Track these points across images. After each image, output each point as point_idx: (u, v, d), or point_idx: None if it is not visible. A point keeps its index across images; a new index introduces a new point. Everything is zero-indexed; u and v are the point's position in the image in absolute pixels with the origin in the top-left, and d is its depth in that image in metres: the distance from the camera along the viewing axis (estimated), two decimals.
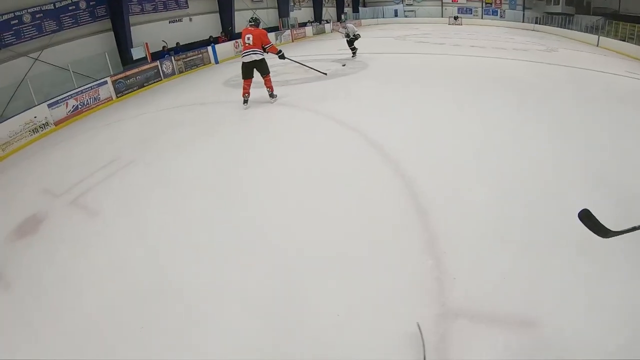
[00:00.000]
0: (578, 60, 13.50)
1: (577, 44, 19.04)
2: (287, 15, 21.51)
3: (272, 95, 7.68)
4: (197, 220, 3.99)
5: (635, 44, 16.24)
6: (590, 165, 4.48)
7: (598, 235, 2.65)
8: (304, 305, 2.81)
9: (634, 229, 2.52)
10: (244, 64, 7.31)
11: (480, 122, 6.07)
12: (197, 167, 5.26)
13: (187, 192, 4.57)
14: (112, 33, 12.14)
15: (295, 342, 2.55)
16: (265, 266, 3.18)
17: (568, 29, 22.73)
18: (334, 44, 13.67)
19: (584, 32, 20.83)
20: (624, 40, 17.30)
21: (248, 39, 7.21)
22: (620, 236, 2.47)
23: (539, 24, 26.02)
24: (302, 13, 23.80)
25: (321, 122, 6.43)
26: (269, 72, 7.53)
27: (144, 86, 10.95)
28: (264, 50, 7.28)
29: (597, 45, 18.70)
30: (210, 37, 15.85)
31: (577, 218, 2.61)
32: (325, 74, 9.56)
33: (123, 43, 12.17)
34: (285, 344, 2.54)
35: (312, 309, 2.78)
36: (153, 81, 11.36)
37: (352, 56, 12.23)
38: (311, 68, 9.38)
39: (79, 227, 4.22)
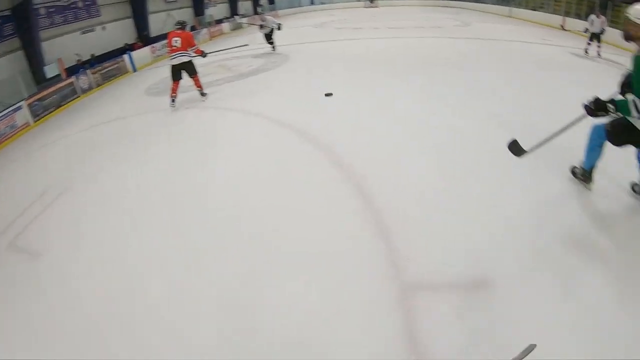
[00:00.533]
0: (492, 32, 14.77)
1: (490, 16, 20.39)
2: (203, 13, 21.40)
3: (202, 94, 8.12)
4: (155, 234, 4.04)
5: (545, 12, 17.53)
6: (516, 117, 5.43)
7: (517, 156, 4.16)
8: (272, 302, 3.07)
9: (538, 145, 3.99)
10: (173, 66, 7.68)
11: (410, 102, 6.87)
12: (138, 181, 5.21)
13: (135, 208, 4.59)
14: (22, 52, 11.63)
15: (269, 335, 2.77)
16: (240, 267, 3.43)
17: (480, 2, 24.04)
18: (252, 39, 13.83)
19: (496, 4, 22.13)
20: (534, 10, 18.60)
21: (176, 41, 7.58)
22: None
23: None
24: (217, 10, 23.69)
25: (254, 120, 6.75)
26: (197, 72, 7.95)
27: (61, 105, 10.57)
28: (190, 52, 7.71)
29: (510, 16, 20.04)
30: (126, 44, 15.60)
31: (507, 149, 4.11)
32: (247, 44, 10.54)
33: (35, 61, 11.71)
34: (262, 341, 2.73)
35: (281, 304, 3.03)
36: (70, 99, 10.96)
37: (272, 50, 12.51)
38: (232, 47, 10.38)
39: (25, 271, 3.86)
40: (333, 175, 4.68)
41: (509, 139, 4.17)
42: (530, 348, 2.18)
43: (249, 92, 8.36)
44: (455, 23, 17.17)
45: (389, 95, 7.23)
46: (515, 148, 4.22)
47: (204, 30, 19.38)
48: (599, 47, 10.93)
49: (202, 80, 8.15)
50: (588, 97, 3.74)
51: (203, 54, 8.07)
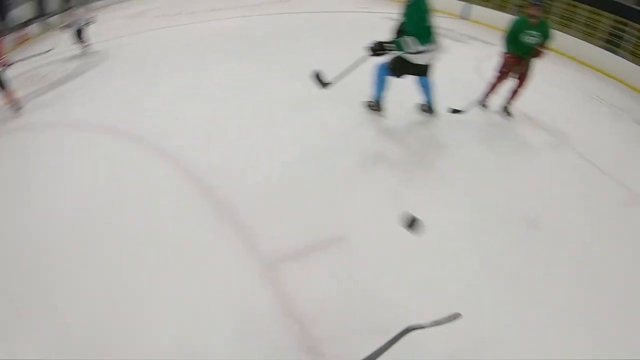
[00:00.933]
0: (311, 4, 15.62)
1: None
2: (5, 17, 19.32)
3: (16, 109, 7.08)
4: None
5: None
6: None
7: (324, 88, 5.35)
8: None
9: (338, 77, 5.28)
10: None
11: (236, 84, 7.36)
12: None
13: None
14: None
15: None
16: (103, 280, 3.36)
17: None
18: (62, 40, 12.61)
19: None
20: None
21: None
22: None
23: None
24: (22, 10, 21.31)
25: (82, 135, 6.03)
26: (8, 86, 7.05)
27: None
28: None
29: None
30: None
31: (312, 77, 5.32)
32: (52, 48, 10.59)
33: None
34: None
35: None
36: None
37: (86, 49, 11.39)
38: (38, 54, 9.94)
39: None
40: (173, 172, 4.75)
41: (313, 71, 5.29)
42: (455, 316, 2.46)
43: (70, 101, 7.65)
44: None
45: (221, 80, 7.68)
46: (320, 80, 5.27)
47: (9, 37, 17.54)
48: None
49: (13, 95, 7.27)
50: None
51: (7, 65, 7.18)
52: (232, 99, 6.59)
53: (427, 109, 5.85)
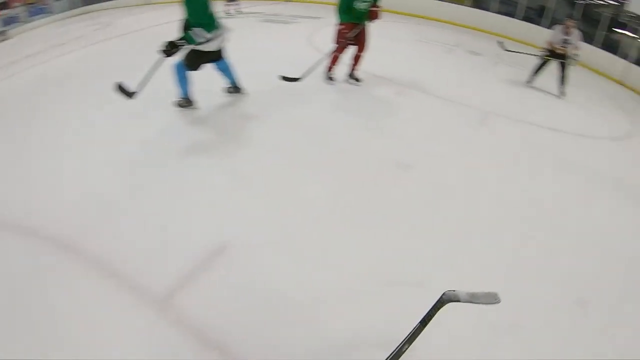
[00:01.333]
0: (134, 24, 15.73)
1: (129, 9, 21.18)
2: None
3: None
4: None
5: None
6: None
7: (130, 98, 5.48)
8: None
9: (142, 83, 5.50)
10: None
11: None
12: None
13: None
14: None
15: None
16: None
17: None
18: None
19: None
20: None
21: None
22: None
23: (89, 4, 27.03)
24: None
25: None
26: None
27: None
28: None
29: (148, 4, 21.18)
30: None
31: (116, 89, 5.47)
32: None
33: None
34: None
35: None
36: None
37: None
38: None
39: None
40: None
41: (115, 83, 5.42)
42: (494, 299, 2.02)
43: None
44: (95, 27, 17.36)
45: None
46: (124, 91, 5.45)
47: None
48: (237, 4, 13.55)
49: None
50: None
51: None
52: (72, 148, 5.76)
53: (234, 89, 6.33)
